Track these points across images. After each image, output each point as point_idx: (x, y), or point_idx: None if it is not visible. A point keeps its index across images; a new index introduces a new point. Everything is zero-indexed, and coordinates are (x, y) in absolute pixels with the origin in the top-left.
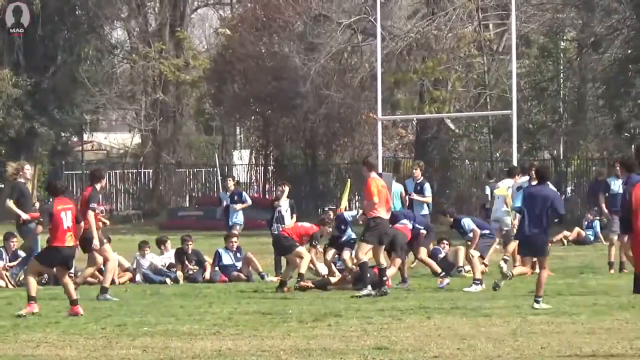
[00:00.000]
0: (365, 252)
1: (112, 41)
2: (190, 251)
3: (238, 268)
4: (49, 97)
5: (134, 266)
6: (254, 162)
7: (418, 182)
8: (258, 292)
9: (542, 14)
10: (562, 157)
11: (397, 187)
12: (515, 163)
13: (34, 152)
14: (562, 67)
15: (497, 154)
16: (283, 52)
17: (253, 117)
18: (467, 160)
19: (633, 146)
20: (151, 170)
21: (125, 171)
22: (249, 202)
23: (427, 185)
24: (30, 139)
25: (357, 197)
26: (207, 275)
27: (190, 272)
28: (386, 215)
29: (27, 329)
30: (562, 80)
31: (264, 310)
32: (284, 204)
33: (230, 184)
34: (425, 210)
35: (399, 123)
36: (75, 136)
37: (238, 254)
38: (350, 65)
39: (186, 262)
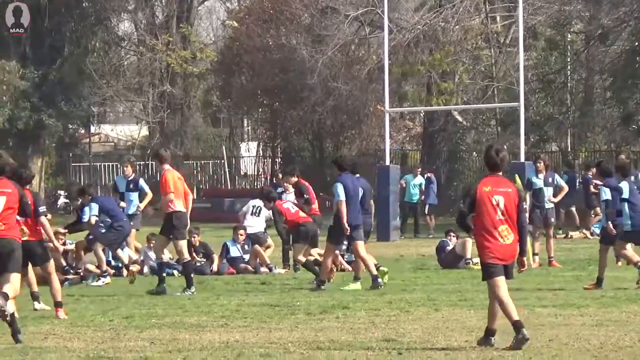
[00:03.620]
0: (182, 250)
1: (119, 33)
2: (197, 243)
3: (246, 260)
4: (56, 89)
5: (142, 258)
6: (261, 154)
7: None
8: (266, 284)
9: (549, 6)
10: (569, 149)
11: (419, 180)
12: (522, 155)
13: (41, 144)
14: (569, 59)
15: (505, 146)
16: (290, 44)
17: (260, 110)
18: (474, 153)
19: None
20: None
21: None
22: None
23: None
24: (38, 131)
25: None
26: (215, 267)
27: (198, 264)
28: (184, 208)
29: (34, 321)
30: (569, 72)
31: (272, 302)
32: (290, 197)
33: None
34: None
35: (407, 115)
36: (82, 128)
37: (246, 246)
38: (357, 57)
39: (194, 254)
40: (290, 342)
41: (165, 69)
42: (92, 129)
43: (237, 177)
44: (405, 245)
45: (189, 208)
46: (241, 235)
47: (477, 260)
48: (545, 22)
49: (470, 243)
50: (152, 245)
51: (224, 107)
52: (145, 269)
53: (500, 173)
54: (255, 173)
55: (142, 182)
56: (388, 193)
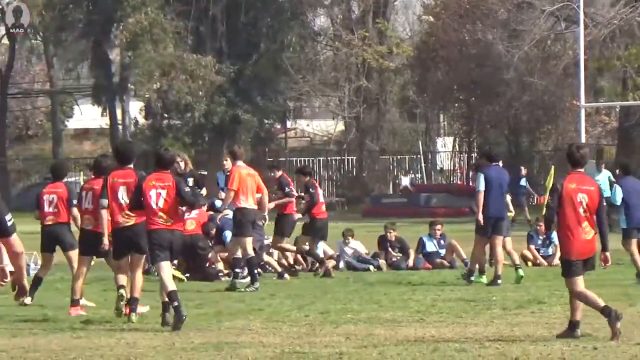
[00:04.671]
0: (245, 246)
1: (315, 28)
2: (393, 238)
3: (442, 255)
4: (252, 84)
5: (338, 253)
6: (457, 149)
7: None
8: (461, 279)
9: None
10: None
11: (606, 174)
12: None
13: (237, 139)
14: None
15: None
16: (486, 39)
17: (456, 104)
18: None
19: None
20: (355, 158)
21: (329, 158)
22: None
23: None
24: (234, 126)
25: None
26: (411, 262)
27: (394, 259)
28: (252, 205)
29: (230, 316)
30: None
31: (468, 297)
32: None
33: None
34: None
35: (602, 110)
36: (278, 123)
37: (442, 241)
38: (553, 52)
39: (389, 250)
40: (485, 337)
41: (362, 64)
42: (288, 124)
43: (433, 172)
44: (597, 240)
45: (264, 204)
46: (437, 229)
47: None
48: None
49: None
50: (348, 240)
51: (420, 102)
52: (341, 264)
53: (582, 170)
54: (452, 168)
55: None
56: None
